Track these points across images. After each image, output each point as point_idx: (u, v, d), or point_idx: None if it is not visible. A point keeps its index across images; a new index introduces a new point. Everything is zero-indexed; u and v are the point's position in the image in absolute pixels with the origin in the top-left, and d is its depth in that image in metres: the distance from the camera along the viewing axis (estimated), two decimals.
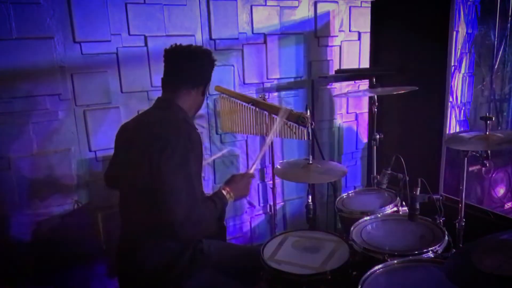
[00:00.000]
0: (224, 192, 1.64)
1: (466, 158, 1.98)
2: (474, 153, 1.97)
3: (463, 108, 3.62)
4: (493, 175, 3.30)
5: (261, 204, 3.10)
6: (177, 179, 1.43)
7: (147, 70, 2.48)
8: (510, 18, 3.38)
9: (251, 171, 1.82)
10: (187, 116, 1.64)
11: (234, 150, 2.91)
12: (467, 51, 3.53)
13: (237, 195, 1.68)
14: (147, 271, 1.53)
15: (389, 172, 2.18)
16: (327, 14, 3.04)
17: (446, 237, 1.76)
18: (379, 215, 2.04)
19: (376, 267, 1.56)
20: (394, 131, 2.88)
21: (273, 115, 2.24)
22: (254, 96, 2.70)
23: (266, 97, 2.65)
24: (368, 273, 1.53)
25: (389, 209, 2.14)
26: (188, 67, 1.62)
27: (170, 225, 1.40)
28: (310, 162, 2.22)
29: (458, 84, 3.54)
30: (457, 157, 2.55)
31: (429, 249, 1.67)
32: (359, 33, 3.21)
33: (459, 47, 3.45)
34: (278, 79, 2.95)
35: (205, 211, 1.52)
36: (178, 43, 1.65)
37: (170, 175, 1.43)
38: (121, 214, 1.66)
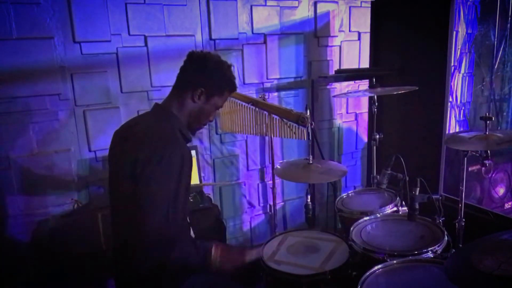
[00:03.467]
0: (213, 251, 1.46)
1: (466, 158, 1.99)
2: (474, 153, 1.97)
3: (463, 108, 3.62)
4: (493, 175, 3.30)
5: (261, 204, 3.10)
6: (156, 195, 1.35)
7: (147, 70, 2.48)
8: (510, 18, 3.37)
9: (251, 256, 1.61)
10: (183, 128, 1.56)
11: (234, 150, 2.91)
12: (467, 51, 3.53)
13: (220, 268, 1.48)
14: (143, 272, 1.52)
15: (389, 172, 2.18)
16: (327, 14, 3.04)
17: (446, 237, 1.76)
18: (378, 215, 2.04)
19: (376, 267, 1.56)
20: (394, 131, 2.88)
21: (273, 115, 2.25)
22: (254, 96, 2.70)
23: (266, 97, 2.65)
24: (368, 273, 1.53)
25: (389, 209, 2.14)
26: (203, 75, 1.55)
27: (137, 242, 1.34)
28: (310, 162, 2.22)
29: (458, 84, 3.54)
30: (456, 157, 2.56)
31: (429, 249, 1.67)
32: (359, 33, 3.21)
33: (459, 47, 3.45)
34: (278, 79, 2.95)
35: (183, 245, 1.41)
36: (205, 50, 1.61)
37: (149, 189, 1.35)
38: (112, 218, 1.64)
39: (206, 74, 1.57)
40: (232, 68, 1.65)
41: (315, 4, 2.98)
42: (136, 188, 1.38)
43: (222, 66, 1.59)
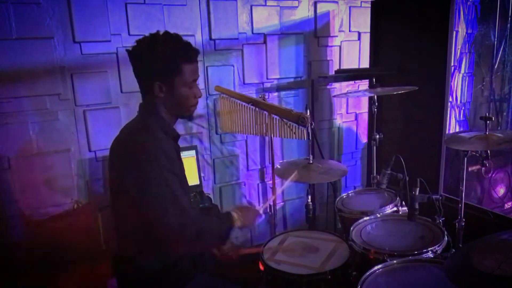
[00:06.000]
0: (235, 215, 1.56)
1: (466, 158, 1.99)
2: (474, 153, 1.97)
3: (463, 108, 3.62)
4: (493, 175, 3.30)
5: (261, 204, 3.10)
6: (157, 196, 1.36)
7: None
8: (510, 18, 3.38)
9: (261, 209, 1.76)
10: (166, 126, 1.52)
11: (234, 150, 2.91)
12: (467, 51, 3.53)
13: (244, 224, 1.58)
14: (145, 275, 1.52)
15: (389, 172, 2.18)
16: (327, 14, 3.04)
17: (446, 237, 1.76)
18: (378, 215, 2.04)
19: (376, 267, 1.56)
20: (394, 131, 2.88)
21: (273, 115, 2.24)
22: (254, 96, 2.70)
23: (266, 97, 2.65)
24: (368, 273, 1.53)
25: (389, 209, 2.14)
26: (139, 63, 1.47)
27: (166, 240, 1.37)
28: (311, 161, 2.21)
29: (458, 84, 3.54)
30: (457, 157, 2.56)
31: (429, 249, 1.67)
32: (359, 33, 3.21)
33: (459, 47, 3.45)
34: (278, 79, 2.95)
35: (205, 225, 1.47)
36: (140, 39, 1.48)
37: (146, 192, 1.36)
38: (114, 220, 1.64)
39: (148, 66, 1.45)
40: (179, 38, 1.47)
41: (315, 4, 2.98)
42: (135, 200, 1.38)
43: (156, 47, 1.42)
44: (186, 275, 1.57)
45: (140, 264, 1.52)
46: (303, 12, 2.95)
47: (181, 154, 1.61)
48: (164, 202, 1.36)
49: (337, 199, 2.36)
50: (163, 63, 1.43)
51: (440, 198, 1.91)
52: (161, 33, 1.47)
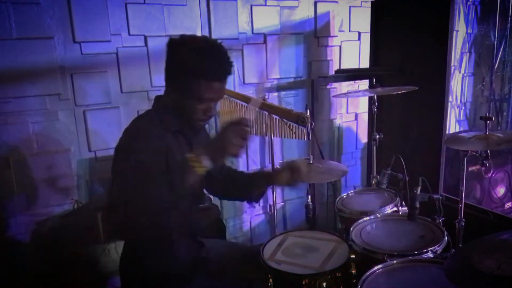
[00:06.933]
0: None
1: (466, 158, 1.99)
2: (474, 153, 1.97)
3: (463, 108, 3.62)
4: (493, 175, 3.30)
5: (261, 204, 3.10)
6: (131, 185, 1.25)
7: (147, 70, 2.48)
8: (510, 18, 3.38)
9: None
10: (168, 118, 1.44)
11: None
12: (467, 51, 3.53)
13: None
14: (146, 276, 1.52)
15: (389, 172, 2.18)
16: (327, 14, 3.04)
17: (446, 237, 1.76)
18: (378, 215, 2.04)
19: (376, 267, 1.56)
20: (394, 131, 2.88)
21: (273, 115, 2.24)
22: (254, 96, 2.70)
23: (266, 97, 2.65)
24: (368, 273, 1.53)
25: (389, 209, 2.13)
26: (169, 59, 1.44)
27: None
28: (311, 162, 2.21)
29: (458, 84, 3.55)
30: (456, 157, 2.56)
31: (429, 249, 1.67)
32: (359, 33, 3.21)
33: (459, 47, 3.45)
34: (278, 79, 2.95)
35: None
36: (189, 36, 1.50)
37: (123, 179, 1.28)
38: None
39: (170, 63, 1.43)
40: (215, 51, 1.43)
41: (315, 4, 2.97)
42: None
43: (176, 48, 1.40)
44: (186, 277, 1.57)
45: (141, 265, 1.52)
46: (303, 12, 2.95)
47: None
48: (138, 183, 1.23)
49: (337, 199, 2.36)
50: (175, 67, 1.42)
51: (440, 198, 1.91)
52: (203, 39, 1.48)
